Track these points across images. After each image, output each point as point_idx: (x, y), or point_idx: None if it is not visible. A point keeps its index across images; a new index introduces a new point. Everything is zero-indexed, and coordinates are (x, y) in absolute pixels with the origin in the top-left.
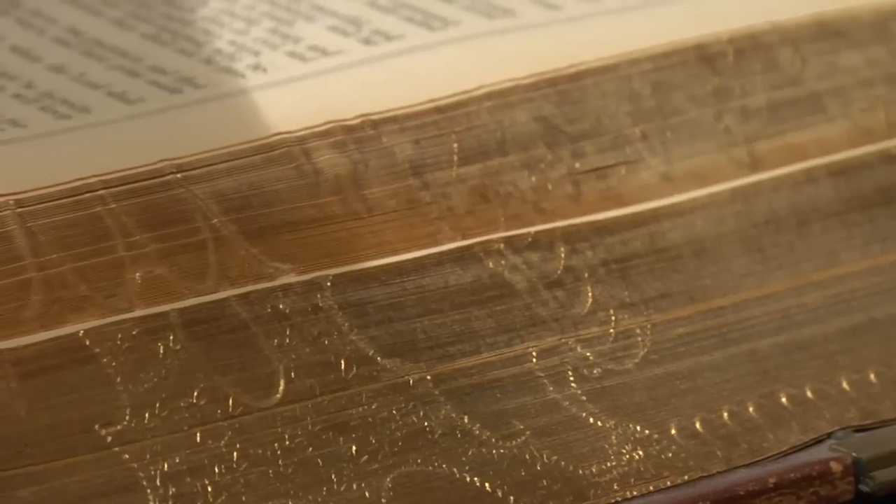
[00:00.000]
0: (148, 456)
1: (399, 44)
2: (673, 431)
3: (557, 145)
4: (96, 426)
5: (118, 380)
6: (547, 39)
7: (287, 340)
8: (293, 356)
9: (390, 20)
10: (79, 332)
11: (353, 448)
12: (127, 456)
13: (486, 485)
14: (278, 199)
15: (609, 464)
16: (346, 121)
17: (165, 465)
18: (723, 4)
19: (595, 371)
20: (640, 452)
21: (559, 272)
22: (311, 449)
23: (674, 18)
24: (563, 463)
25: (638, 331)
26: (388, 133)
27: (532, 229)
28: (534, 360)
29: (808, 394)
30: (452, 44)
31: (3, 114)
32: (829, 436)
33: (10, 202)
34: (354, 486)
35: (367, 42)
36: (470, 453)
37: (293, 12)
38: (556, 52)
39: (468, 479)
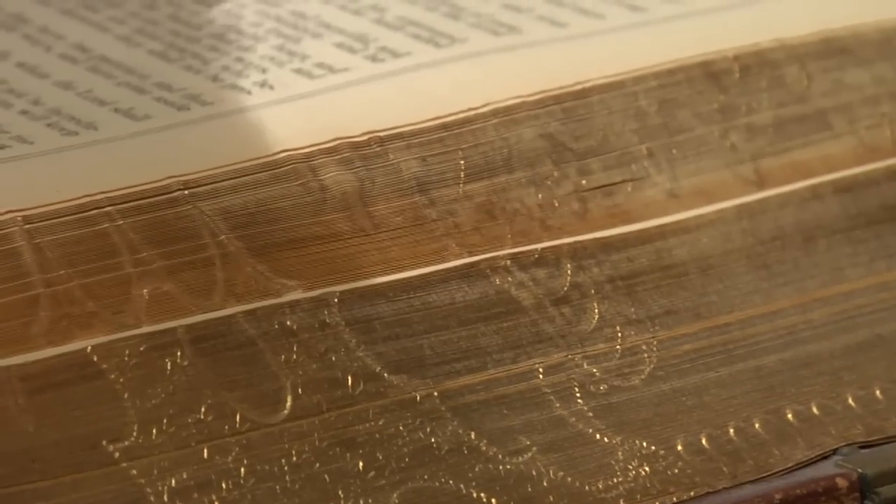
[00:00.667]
0: (155, 471)
1: (406, 61)
2: (679, 447)
3: (564, 162)
4: (104, 442)
5: (126, 396)
6: (553, 57)
7: (294, 357)
8: (300, 372)
9: (397, 37)
10: (86, 348)
11: (360, 464)
12: (134, 472)
13: (493, 500)
14: (285, 215)
15: (615, 480)
16: (353, 137)
17: (173, 481)
18: (728, 22)
19: (601, 387)
20: (647, 468)
21: (565, 289)
22: (318, 465)
23: (679, 36)
24: (569, 479)
25: (644, 347)
26: (394, 150)
27: (538, 246)
28: (540, 376)
29: (814, 410)
30: (459, 61)
31: (10, 130)
32: (834, 452)
33: (18, 218)
34: (361, 502)
35: (373, 59)
36: (477, 469)
37: (300, 29)
38: (563, 70)
39: (475, 494)
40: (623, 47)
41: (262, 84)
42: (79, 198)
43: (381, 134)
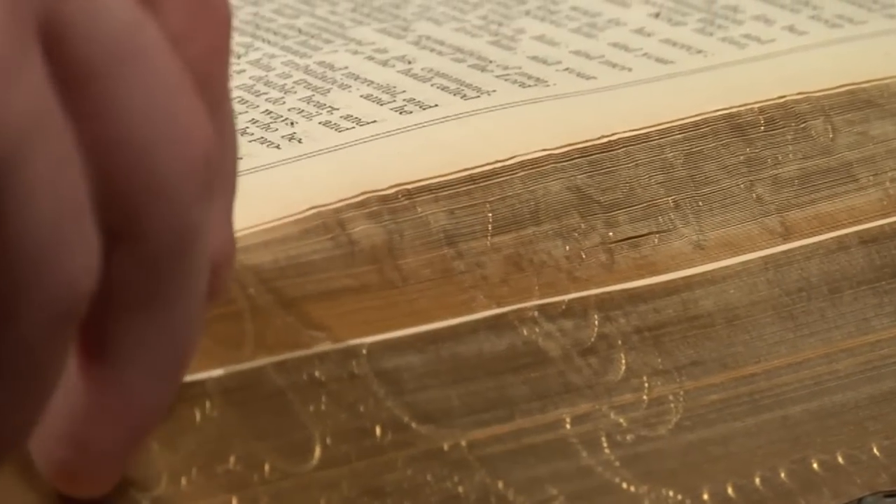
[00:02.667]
0: None
1: (433, 113)
2: (705, 497)
3: (590, 215)
4: (133, 491)
5: (155, 446)
6: (580, 109)
7: (323, 407)
8: (329, 422)
9: (424, 89)
10: None
11: None
12: None
13: None
14: (314, 269)
15: None
16: (381, 191)
17: None
18: (754, 74)
19: (628, 437)
20: None
21: (593, 340)
22: None
23: (705, 88)
24: None
25: (671, 397)
26: (422, 203)
27: (566, 297)
28: (568, 426)
29: (840, 459)
30: (486, 113)
31: None
32: (859, 501)
33: None
34: None
35: (401, 111)
36: None
37: (328, 81)
38: (590, 122)
39: None
40: (650, 100)
41: (291, 137)
42: None
43: (409, 187)
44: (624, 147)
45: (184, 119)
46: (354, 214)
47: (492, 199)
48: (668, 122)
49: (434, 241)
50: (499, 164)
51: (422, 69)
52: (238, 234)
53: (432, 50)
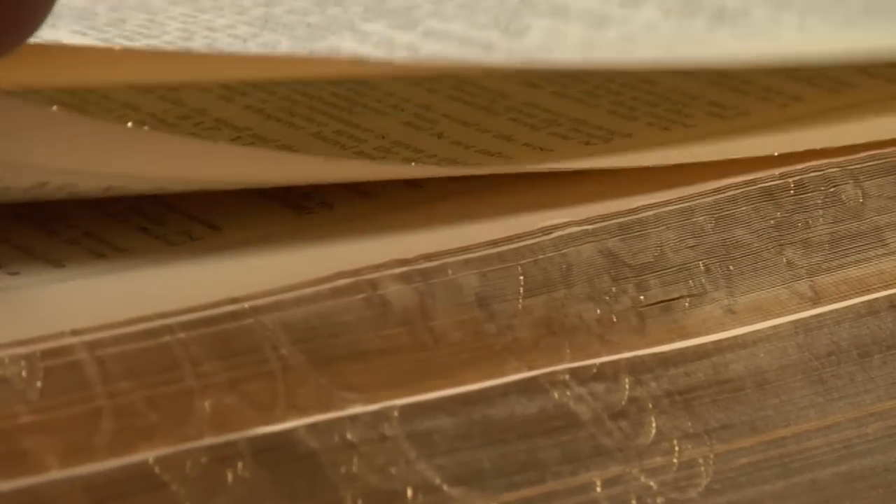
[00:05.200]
0: None
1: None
2: None
3: (622, 278)
4: None
5: None
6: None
7: (354, 469)
8: (360, 484)
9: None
10: (148, 459)
11: None
12: None
13: None
14: (346, 329)
15: None
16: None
17: None
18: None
19: (658, 500)
20: None
21: (623, 403)
22: None
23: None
24: None
25: (701, 461)
26: (454, 265)
27: (597, 361)
28: (598, 489)
29: None
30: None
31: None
32: None
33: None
34: None
35: None
36: None
37: None
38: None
39: None
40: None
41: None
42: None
43: (441, 250)
44: (654, 210)
45: None
46: (386, 275)
47: (523, 261)
48: (698, 185)
49: (466, 304)
50: (529, 227)
51: None
52: (269, 288)
53: None
